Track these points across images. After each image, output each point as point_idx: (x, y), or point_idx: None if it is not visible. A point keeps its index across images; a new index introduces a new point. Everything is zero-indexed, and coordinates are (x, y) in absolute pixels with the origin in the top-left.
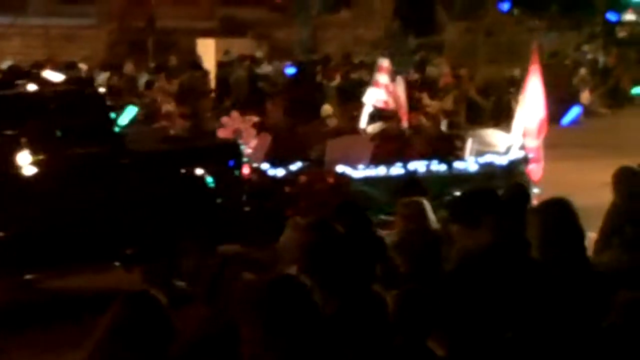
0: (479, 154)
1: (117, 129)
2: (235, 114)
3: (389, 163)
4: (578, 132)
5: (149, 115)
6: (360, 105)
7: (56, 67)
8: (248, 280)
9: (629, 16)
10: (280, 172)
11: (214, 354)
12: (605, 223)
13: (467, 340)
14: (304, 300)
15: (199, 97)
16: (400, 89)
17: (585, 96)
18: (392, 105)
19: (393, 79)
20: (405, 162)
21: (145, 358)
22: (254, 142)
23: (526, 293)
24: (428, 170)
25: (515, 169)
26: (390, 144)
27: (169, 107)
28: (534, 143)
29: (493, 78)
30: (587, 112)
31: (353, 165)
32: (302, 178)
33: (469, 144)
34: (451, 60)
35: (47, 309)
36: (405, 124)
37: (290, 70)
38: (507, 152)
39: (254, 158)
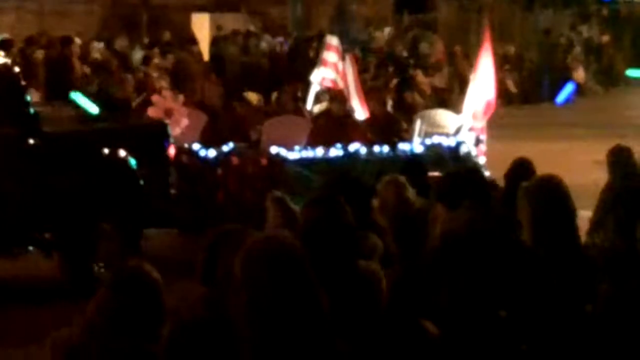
0: (428, 135)
1: (31, 110)
2: (166, 92)
3: (327, 145)
4: (571, 111)
5: (140, 90)
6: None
7: (50, 42)
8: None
9: None
10: (211, 153)
11: (209, 336)
12: (599, 202)
13: (460, 319)
14: (295, 267)
15: (194, 75)
16: (349, 68)
17: (579, 75)
18: (340, 85)
19: (342, 58)
20: (345, 143)
21: (136, 337)
22: (185, 122)
23: (512, 275)
24: (370, 152)
25: (464, 150)
26: (332, 125)
27: (162, 83)
28: (480, 124)
29: None
30: (581, 90)
31: (289, 146)
32: (234, 160)
33: (418, 124)
34: (444, 38)
35: None
36: (353, 104)
37: None
38: (456, 133)
39: (186, 138)
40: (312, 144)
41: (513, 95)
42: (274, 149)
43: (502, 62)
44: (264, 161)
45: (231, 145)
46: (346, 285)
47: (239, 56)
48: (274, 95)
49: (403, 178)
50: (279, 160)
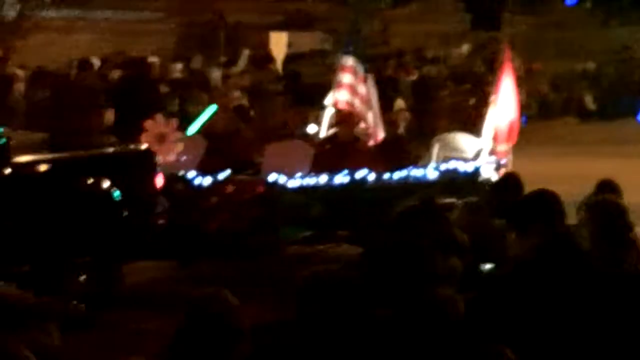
0: (446, 159)
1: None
2: (159, 117)
3: (333, 171)
4: None
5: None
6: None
7: (128, 62)
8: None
9: None
10: (206, 181)
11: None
12: None
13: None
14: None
15: (271, 95)
16: (372, 89)
17: None
18: (357, 107)
19: (364, 79)
20: (351, 169)
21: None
22: (180, 148)
23: (582, 297)
24: (378, 179)
25: (483, 175)
26: (338, 150)
27: (244, 101)
28: (504, 147)
29: (563, 72)
30: None
31: (290, 173)
32: (229, 188)
33: (435, 149)
34: (521, 54)
35: None
36: (372, 129)
37: None
38: (475, 157)
39: (182, 165)
40: (316, 170)
41: (591, 112)
42: (272, 176)
43: (579, 79)
44: (260, 189)
45: (227, 172)
46: (421, 311)
47: (313, 74)
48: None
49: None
50: (277, 188)
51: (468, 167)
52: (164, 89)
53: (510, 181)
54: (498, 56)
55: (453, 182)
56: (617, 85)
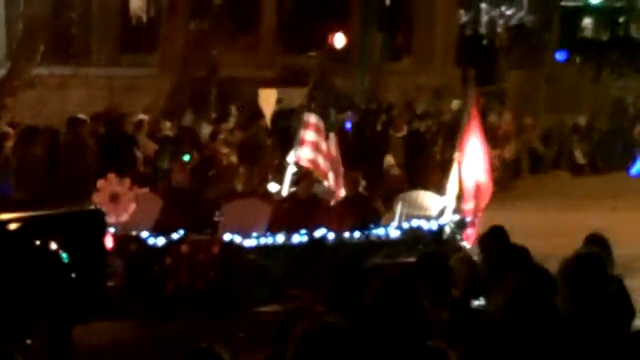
0: (409, 217)
1: None
2: (111, 175)
3: (290, 230)
4: None
5: (208, 166)
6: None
7: (117, 117)
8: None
9: None
10: (160, 241)
11: None
12: None
13: None
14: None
15: (261, 150)
16: (333, 147)
17: None
18: (321, 164)
19: (326, 137)
20: (310, 228)
21: None
22: (132, 207)
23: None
24: (338, 238)
25: (447, 233)
26: (297, 209)
27: (233, 158)
28: (470, 206)
29: (554, 126)
30: None
31: (247, 232)
32: (184, 248)
33: (399, 207)
34: (513, 108)
35: None
36: (337, 187)
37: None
38: (439, 215)
39: (134, 224)
40: (275, 229)
41: (582, 166)
42: (227, 236)
43: (570, 133)
44: (215, 249)
45: (181, 232)
46: None
47: None
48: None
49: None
50: (233, 247)
51: (432, 225)
52: (153, 146)
53: (493, 235)
54: (489, 110)
55: (416, 240)
56: (607, 139)
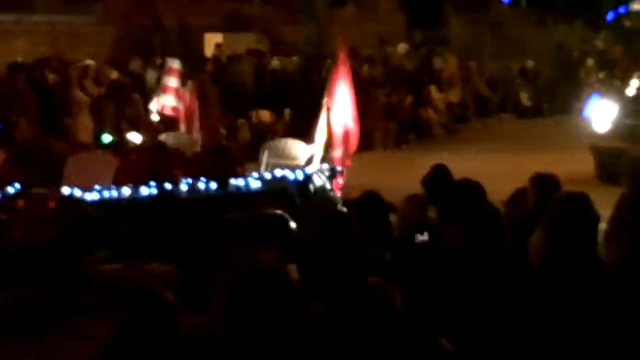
0: (276, 167)
1: None
2: None
3: (139, 183)
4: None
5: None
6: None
7: (62, 65)
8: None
9: (637, 6)
10: None
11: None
12: (614, 214)
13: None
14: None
15: (207, 96)
16: (189, 94)
17: (594, 87)
18: (182, 112)
19: (184, 83)
20: (160, 181)
21: (152, 356)
22: None
23: (511, 290)
24: (192, 190)
25: (315, 183)
26: (147, 159)
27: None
28: (340, 154)
29: (500, 71)
30: None
31: (90, 185)
32: (19, 203)
33: (265, 157)
34: (458, 53)
35: None
36: (195, 133)
37: None
38: (307, 164)
39: None
40: (123, 182)
41: (527, 109)
42: (66, 190)
43: (517, 77)
44: (52, 204)
45: (17, 186)
46: (357, 302)
47: (251, 75)
48: (287, 112)
49: (424, 195)
50: (72, 202)
51: (298, 175)
52: (100, 91)
53: (439, 174)
54: (434, 55)
55: (281, 191)
56: (552, 83)
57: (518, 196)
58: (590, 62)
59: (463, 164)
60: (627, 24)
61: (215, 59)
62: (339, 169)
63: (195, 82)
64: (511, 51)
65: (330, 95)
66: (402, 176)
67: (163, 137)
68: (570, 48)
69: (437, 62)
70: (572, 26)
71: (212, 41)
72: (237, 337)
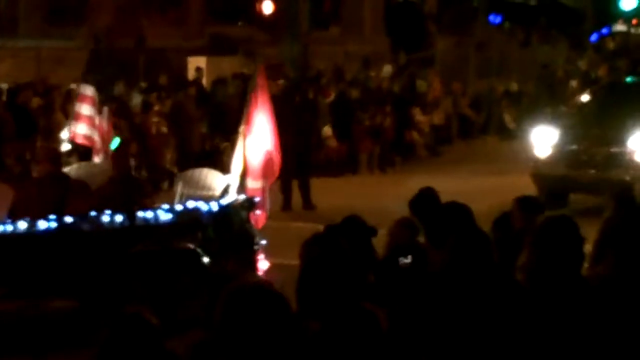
0: (190, 198)
1: None
2: None
3: (34, 215)
4: None
5: (139, 135)
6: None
7: (47, 89)
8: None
9: (620, 27)
10: None
11: None
12: (598, 237)
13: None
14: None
15: (189, 116)
16: (105, 122)
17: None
18: (97, 141)
19: (100, 111)
20: (60, 213)
21: None
22: None
23: (496, 307)
24: (95, 222)
25: (230, 215)
26: (46, 189)
27: (163, 128)
28: (256, 185)
29: (483, 91)
30: None
31: None
32: None
33: (179, 187)
34: (442, 75)
35: None
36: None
37: None
38: (224, 195)
39: None
40: (20, 215)
41: (510, 131)
42: None
43: (501, 98)
44: None
45: None
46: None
47: (237, 98)
48: None
49: (414, 220)
50: None
51: (212, 207)
52: None
53: (426, 196)
54: (418, 77)
55: (193, 223)
56: (534, 104)
57: (503, 218)
58: (574, 82)
59: (445, 184)
60: (610, 45)
61: (196, 81)
62: (257, 199)
63: (109, 109)
64: (495, 71)
65: (248, 122)
66: (387, 198)
67: (74, 167)
68: (554, 68)
69: (421, 84)
70: (556, 47)
71: (195, 64)
72: (234, 348)
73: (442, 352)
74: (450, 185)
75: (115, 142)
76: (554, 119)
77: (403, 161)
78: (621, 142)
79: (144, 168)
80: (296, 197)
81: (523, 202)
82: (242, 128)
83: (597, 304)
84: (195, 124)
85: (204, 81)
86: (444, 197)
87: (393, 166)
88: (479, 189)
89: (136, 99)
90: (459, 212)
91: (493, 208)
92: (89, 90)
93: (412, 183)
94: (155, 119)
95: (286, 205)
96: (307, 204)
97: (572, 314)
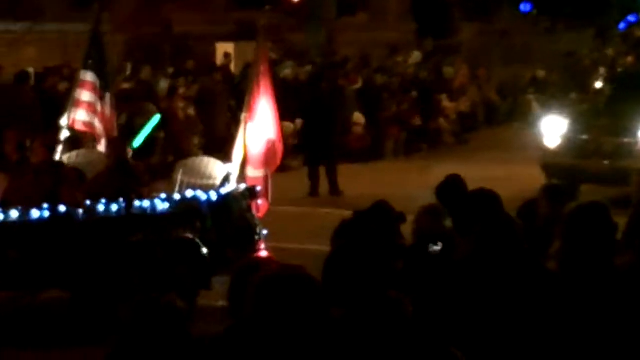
0: (190, 187)
1: None
2: None
3: (29, 204)
4: None
5: (165, 120)
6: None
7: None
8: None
9: None
10: None
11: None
12: (628, 225)
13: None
14: (301, 296)
15: (216, 101)
16: (108, 108)
17: None
18: (97, 128)
19: (102, 97)
20: (56, 202)
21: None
22: None
23: (524, 292)
24: (90, 212)
25: (231, 204)
26: (40, 178)
27: (190, 111)
28: (257, 173)
29: (509, 79)
30: None
31: None
32: None
33: (179, 175)
34: (468, 61)
35: None
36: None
37: None
38: (223, 184)
39: None
40: (13, 204)
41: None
42: None
43: (528, 85)
44: None
45: None
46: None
47: None
48: (298, 122)
49: (440, 206)
50: None
51: (212, 196)
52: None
53: (452, 184)
54: (445, 63)
55: (191, 213)
56: (561, 91)
57: (529, 206)
58: (602, 70)
59: (473, 171)
60: (638, 33)
61: (224, 67)
62: (258, 189)
63: (110, 95)
64: (521, 59)
65: (250, 109)
66: (414, 185)
67: (73, 155)
68: (580, 56)
69: (448, 71)
70: (582, 34)
71: (223, 50)
72: (264, 332)
73: (469, 339)
74: (477, 172)
75: (156, 119)
76: (565, 107)
77: (429, 148)
78: (633, 132)
79: (170, 152)
80: (323, 183)
81: (550, 190)
82: (243, 115)
83: (627, 291)
84: (221, 109)
85: (232, 67)
86: (471, 185)
87: (419, 152)
88: (505, 176)
89: (163, 84)
90: (486, 199)
91: (518, 195)
92: (89, 76)
93: (439, 170)
94: (181, 104)
95: (313, 191)
96: (334, 190)
97: (604, 302)
